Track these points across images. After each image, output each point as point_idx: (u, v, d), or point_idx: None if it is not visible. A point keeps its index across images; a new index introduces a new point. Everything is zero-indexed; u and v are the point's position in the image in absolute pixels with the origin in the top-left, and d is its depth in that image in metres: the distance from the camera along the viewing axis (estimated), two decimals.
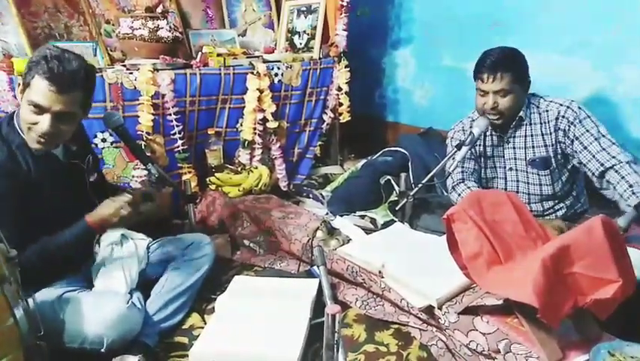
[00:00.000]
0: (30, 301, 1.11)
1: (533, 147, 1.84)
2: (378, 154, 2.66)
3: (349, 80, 2.70)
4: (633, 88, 2.02)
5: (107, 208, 1.45)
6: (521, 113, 1.82)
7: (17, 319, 1.04)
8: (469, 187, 1.93)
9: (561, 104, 1.78)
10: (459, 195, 1.94)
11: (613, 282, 1.19)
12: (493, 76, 1.73)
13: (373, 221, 2.16)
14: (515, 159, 1.90)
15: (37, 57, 1.29)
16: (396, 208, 2.05)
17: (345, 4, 2.62)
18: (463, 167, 1.96)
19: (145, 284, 1.62)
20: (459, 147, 1.85)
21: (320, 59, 2.67)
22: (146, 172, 1.78)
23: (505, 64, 1.73)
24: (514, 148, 1.89)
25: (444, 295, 1.47)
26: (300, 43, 2.76)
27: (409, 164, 2.45)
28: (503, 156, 1.93)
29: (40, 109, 1.29)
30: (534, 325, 1.24)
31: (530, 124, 1.83)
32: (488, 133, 1.93)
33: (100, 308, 1.37)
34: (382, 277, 1.65)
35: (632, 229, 1.54)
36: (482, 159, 1.99)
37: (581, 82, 2.16)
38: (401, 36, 3.03)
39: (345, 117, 2.78)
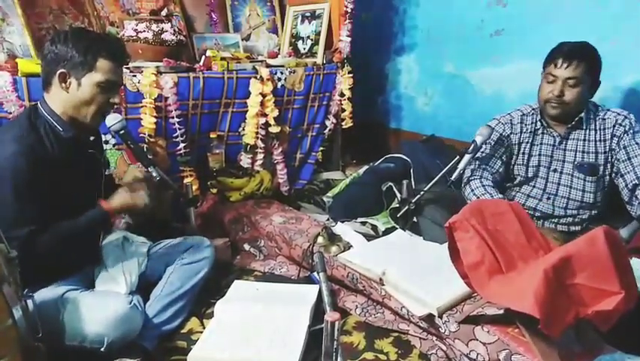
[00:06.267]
0: (29, 302, 1.11)
1: (584, 151, 1.82)
2: (380, 160, 2.66)
3: (352, 85, 2.70)
4: (634, 98, 2.02)
5: (123, 197, 1.52)
6: (582, 115, 1.79)
7: (16, 320, 1.04)
8: (483, 185, 1.90)
9: (619, 114, 1.78)
10: (472, 190, 1.91)
11: (615, 293, 1.18)
12: (568, 62, 1.70)
13: (374, 228, 2.16)
14: (564, 161, 1.86)
15: (86, 44, 1.40)
16: (398, 215, 2.05)
17: (349, 10, 2.62)
18: (486, 165, 1.94)
19: (145, 287, 1.61)
20: (461, 154, 1.85)
21: (323, 64, 2.67)
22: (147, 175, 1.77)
23: (584, 53, 1.71)
24: (564, 150, 1.85)
25: (445, 303, 1.46)
26: (304, 49, 2.76)
27: (411, 171, 2.45)
28: (551, 156, 1.89)
29: (111, 85, 1.44)
30: (535, 335, 1.23)
31: (587, 128, 1.81)
32: (540, 131, 1.89)
33: (102, 307, 1.38)
34: (383, 285, 1.64)
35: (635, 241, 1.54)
36: (525, 157, 1.93)
37: None
38: (404, 43, 3.03)
39: (348, 123, 2.78)
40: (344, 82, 2.68)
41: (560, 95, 1.73)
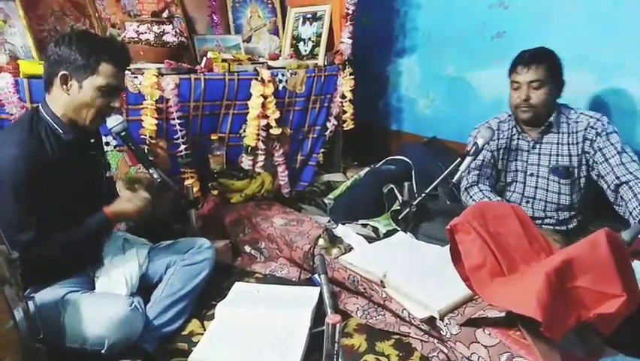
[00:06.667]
0: (30, 303, 1.11)
1: (558, 155, 1.86)
2: (381, 162, 2.66)
3: (353, 87, 2.70)
4: (633, 101, 2.02)
5: (126, 203, 1.52)
6: (551, 119, 1.84)
7: (17, 321, 1.04)
8: (481, 190, 1.94)
9: (591, 117, 1.82)
10: (471, 197, 1.95)
11: (617, 296, 1.18)
12: (527, 67, 1.78)
13: (376, 230, 2.15)
14: (539, 165, 1.91)
15: (90, 47, 1.39)
16: (399, 217, 2.05)
17: (350, 12, 2.63)
18: (479, 170, 1.97)
19: (145, 289, 1.61)
20: (463, 156, 1.85)
21: (324, 66, 2.68)
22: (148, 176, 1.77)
23: (542, 56, 1.79)
24: (539, 154, 1.91)
25: (446, 306, 1.46)
26: (305, 50, 2.77)
27: (412, 173, 2.45)
28: (526, 161, 1.94)
29: (112, 89, 1.44)
30: (537, 338, 1.23)
31: (559, 132, 1.86)
32: (515, 137, 1.95)
33: (103, 309, 1.38)
34: (384, 287, 1.64)
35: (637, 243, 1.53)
36: (504, 162, 1.99)
37: (583, 96, 2.16)
38: (405, 45, 3.04)
39: (349, 125, 2.78)
40: (345, 84, 2.68)
41: (526, 99, 1.80)
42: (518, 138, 1.95)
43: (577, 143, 1.83)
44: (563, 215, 1.93)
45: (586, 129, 1.81)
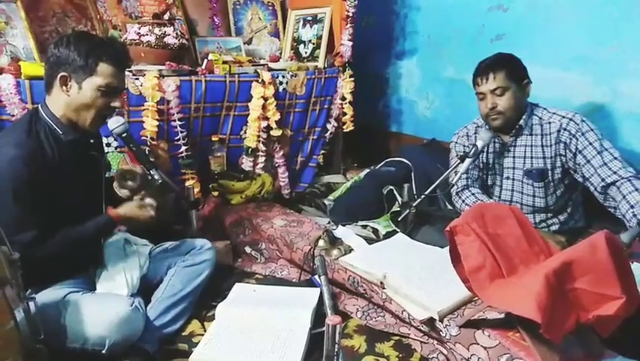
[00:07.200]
0: (31, 304, 1.11)
1: (532, 157, 1.86)
2: (381, 164, 2.66)
3: (353, 89, 2.71)
4: (633, 103, 2.03)
5: (136, 210, 1.53)
6: (521, 122, 1.83)
7: (18, 321, 1.04)
8: (473, 193, 1.95)
9: (563, 117, 1.79)
10: (463, 201, 1.95)
11: (616, 298, 1.18)
12: (486, 76, 1.79)
13: (375, 231, 2.16)
14: (514, 168, 1.91)
15: (88, 47, 1.39)
16: (399, 219, 2.05)
17: (350, 14, 2.63)
18: (467, 174, 1.97)
19: (146, 289, 1.62)
20: (462, 158, 1.86)
21: (325, 68, 2.68)
22: (149, 177, 1.78)
23: (497, 63, 1.79)
24: (513, 157, 1.91)
25: (445, 307, 1.46)
26: (306, 53, 2.77)
27: (412, 175, 2.45)
28: (502, 165, 1.95)
29: (112, 90, 1.43)
30: (536, 340, 1.23)
31: (531, 134, 1.85)
32: (492, 141, 1.95)
33: (104, 309, 1.38)
34: (384, 288, 1.64)
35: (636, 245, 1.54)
36: (483, 166, 2.01)
37: (582, 96, 2.16)
38: (405, 47, 3.04)
39: (349, 127, 2.78)
40: (345, 86, 2.69)
41: (493, 107, 1.80)
42: (494, 142, 1.95)
43: (550, 145, 1.81)
44: (539, 217, 1.93)
45: (559, 131, 1.78)
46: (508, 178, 1.94)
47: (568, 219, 1.93)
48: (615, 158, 1.68)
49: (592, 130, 1.73)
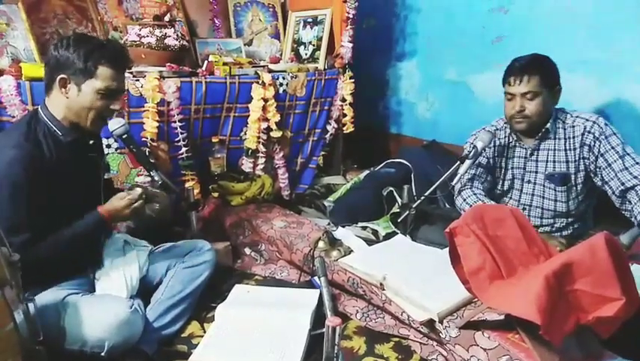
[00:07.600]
0: (30, 305, 1.11)
1: (554, 161, 1.83)
2: (380, 165, 2.66)
3: (353, 91, 2.71)
4: (635, 105, 2.02)
5: (119, 201, 1.49)
6: (548, 126, 1.80)
7: (17, 323, 1.04)
8: (474, 193, 1.92)
9: (587, 120, 1.77)
10: (464, 200, 1.93)
11: (616, 300, 1.18)
12: (520, 78, 1.73)
13: (375, 232, 2.16)
14: (536, 172, 1.89)
15: (87, 50, 1.39)
16: (399, 220, 2.05)
17: (351, 16, 2.64)
18: (473, 173, 1.95)
19: (145, 291, 1.61)
20: (462, 160, 1.86)
21: (325, 69, 2.68)
22: (149, 179, 1.78)
23: (533, 66, 1.74)
24: (536, 161, 1.88)
25: (445, 309, 1.46)
26: (306, 54, 2.78)
27: (412, 176, 2.45)
28: (524, 168, 1.92)
29: (111, 92, 1.43)
30: (536, 341, 1.23)
31: (555, 138, 1.82)
32: (512, 144, 1.93)
33: (103, 312, 1.38)
34: (383, 290, 1.64)
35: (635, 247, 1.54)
36: (501, 170, 1.97)
37: (584, 99, 2.16)
38: (405, 49, 3.04)
39: (349, 128, 2.79)
40: (345, 87, 2.69)
41: (521, 110, 1.76)
42: (515, 146, 1.92)
43: (574, 149, 1.79)
44: (559, 222, 1.91)
45: (583, 134, 1.76)
46: (529, 182, 1.91)
47: (584, 224, 1.92)
48: (637, 163, 1.68)
49: (614, 134, 1.73)
